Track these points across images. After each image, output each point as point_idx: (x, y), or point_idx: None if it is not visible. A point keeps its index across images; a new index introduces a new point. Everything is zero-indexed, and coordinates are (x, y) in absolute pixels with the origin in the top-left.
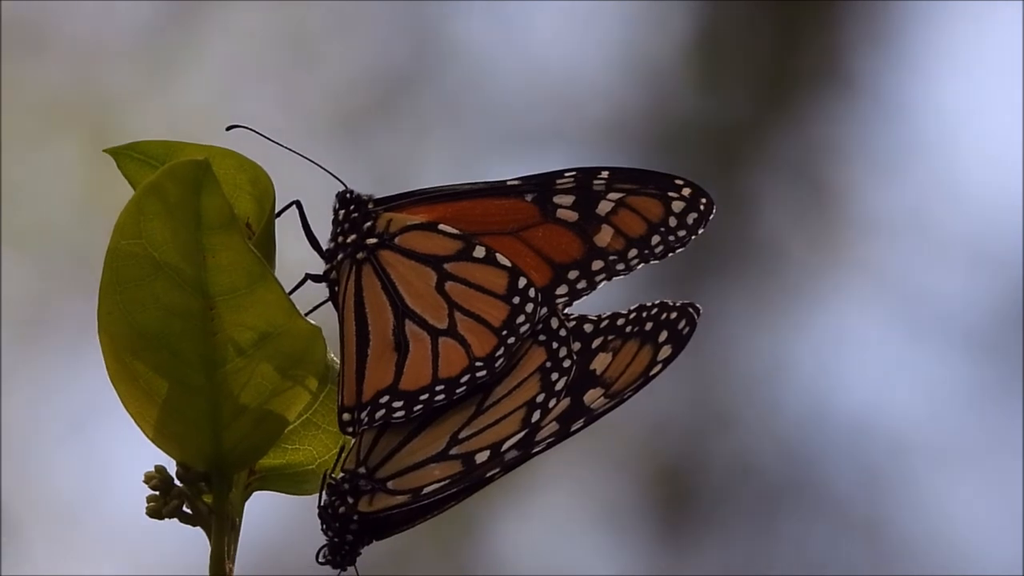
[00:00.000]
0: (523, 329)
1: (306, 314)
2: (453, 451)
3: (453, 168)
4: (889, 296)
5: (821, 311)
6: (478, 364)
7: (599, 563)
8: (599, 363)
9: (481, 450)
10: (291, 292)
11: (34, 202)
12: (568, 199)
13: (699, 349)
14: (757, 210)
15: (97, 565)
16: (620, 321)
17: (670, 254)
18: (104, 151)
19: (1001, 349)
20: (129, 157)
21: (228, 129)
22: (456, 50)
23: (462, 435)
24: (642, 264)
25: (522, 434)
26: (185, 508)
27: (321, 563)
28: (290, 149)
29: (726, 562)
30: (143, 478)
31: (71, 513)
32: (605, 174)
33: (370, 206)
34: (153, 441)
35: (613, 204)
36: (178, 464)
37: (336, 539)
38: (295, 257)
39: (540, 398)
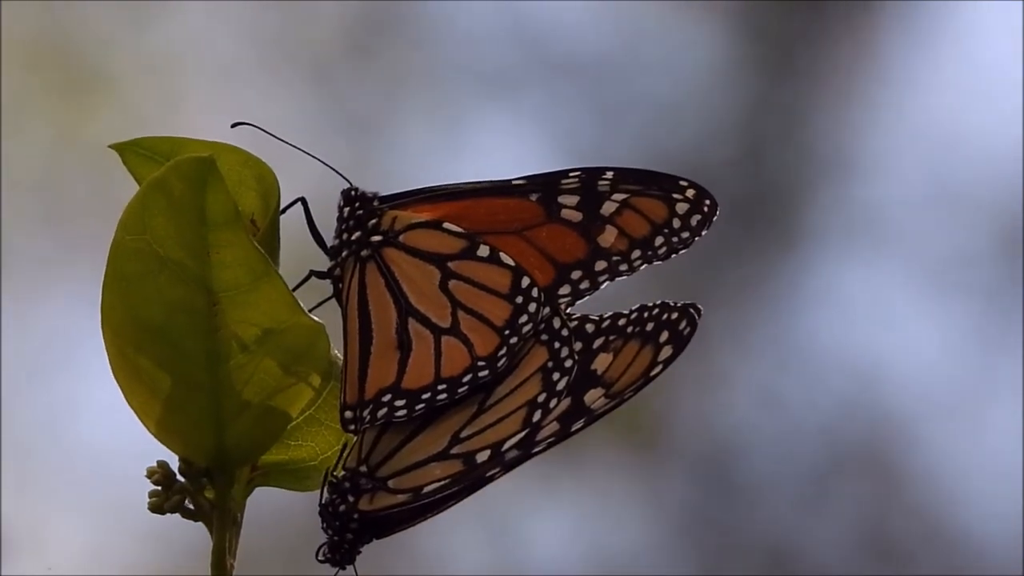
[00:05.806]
0: (526, 329)
1: (310, 310)
2: (454, 450)
3: (426, 112)
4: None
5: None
6: (480, 363)
7: None
8: (600, 363)
9: (482, 449)
10: (295, 288)
11: (3, 140)
12: (573, 199)
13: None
14: (753, 161)
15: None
16: (622, 321)
17: (673, 255)
18: (109, 147)
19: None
20: (134, 152)
21: (233, 126)
22: None
23: (463, 434)
24: (645, 265)
25: (523, 434)
26: (187, 503)
27: (320, 561)
28: (296, 147)
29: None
30: (145, 473)
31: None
32: (610, 175)
33: (375, 203)
34: (156, 436)
35: (617, 205)
36: (180, 459)
37: (336, 537)
38: (299, 254)
39: (541, 398)
